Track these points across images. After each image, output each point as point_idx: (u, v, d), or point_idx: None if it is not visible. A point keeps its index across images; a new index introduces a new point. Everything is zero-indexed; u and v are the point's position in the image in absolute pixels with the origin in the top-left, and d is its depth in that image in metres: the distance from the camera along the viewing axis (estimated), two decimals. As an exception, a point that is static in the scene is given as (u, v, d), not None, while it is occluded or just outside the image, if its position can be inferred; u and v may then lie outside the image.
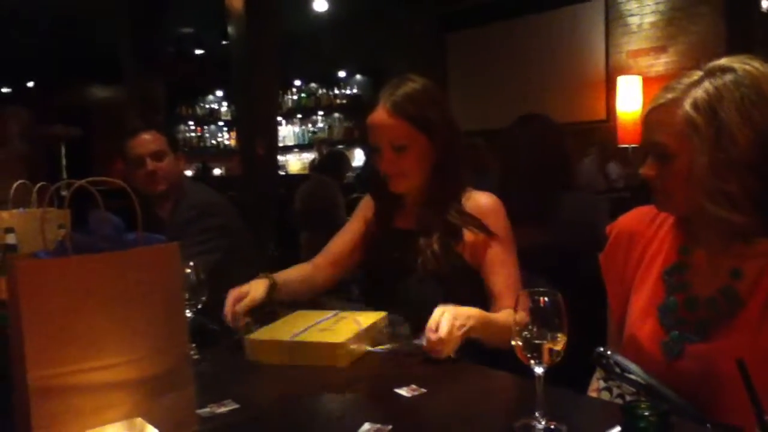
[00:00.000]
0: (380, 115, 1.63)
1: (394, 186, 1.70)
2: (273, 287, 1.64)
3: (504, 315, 1.53)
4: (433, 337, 1.34)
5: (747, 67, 1.13)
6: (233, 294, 1.58)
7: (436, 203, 1.68)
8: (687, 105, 1.13)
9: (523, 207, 2.41)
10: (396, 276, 1.68)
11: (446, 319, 1.35)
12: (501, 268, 1.64)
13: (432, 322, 1.36)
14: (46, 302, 0.87)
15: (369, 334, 1.48)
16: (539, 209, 2.40)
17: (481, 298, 1.64)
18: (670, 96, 1.16)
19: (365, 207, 1.88)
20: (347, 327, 1.48)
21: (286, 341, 1.43)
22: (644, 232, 1.34)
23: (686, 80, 1.16)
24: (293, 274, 1.79)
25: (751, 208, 1.12)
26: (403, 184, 1.69)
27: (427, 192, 1.70)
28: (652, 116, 1.20)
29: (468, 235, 1.65)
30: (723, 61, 1.16)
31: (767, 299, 1.14)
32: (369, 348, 1.45)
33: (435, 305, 1.46)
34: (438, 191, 1.68)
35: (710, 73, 1.14)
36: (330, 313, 1.60)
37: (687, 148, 1.14)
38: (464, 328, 1.38)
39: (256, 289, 1.61)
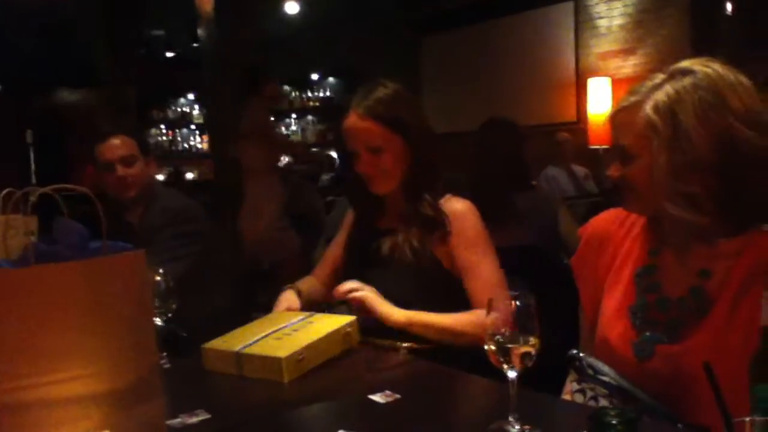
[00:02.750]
0: (352, 119, 1.68)
1: (374, 188, 1.73)
2: (300, 295, 1.76)
3: (453, 318, 1.59)
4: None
5: (707, 69, 1.15)
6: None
7: (413, 198, 1.71)
8: (648, 107, 1.16)
9: (491, 207, 2.51)
10: (373, 272, 1.69)
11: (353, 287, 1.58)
12: (476, 272, 1.65)
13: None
14: (7, 313, 0.85)
15: (331, 339, 1.43)
16: (500, 211, 2.49)
17: (459, 298, 1.65)
18: (633, 99, 1.19)
19: (348, 216, 1.93)
20: (305, 335, 1.42)
21: (233, 351, 1.38)
22: (615, 234, 1.35)
23: (649, 83, 1.19)
24: (306, 285, 1.86)
25: (714, 208, 1.13)
26: (383, 184, 1.73)
27: (406, 189, 1.73)
28: (617, 119, 1.23)
29: (444, 243, 1.67)
30: (684, 64, 1.18)
31: (734, 299, 1.15)
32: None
33: (410, 301, 1.57)
34: (414, 187, 1.71)
35: (672, 76, 1.17)
36: (302, 315, 1.59)
37: (648, 150, 1.16)
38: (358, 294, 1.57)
39: (293, 300, 1.73)
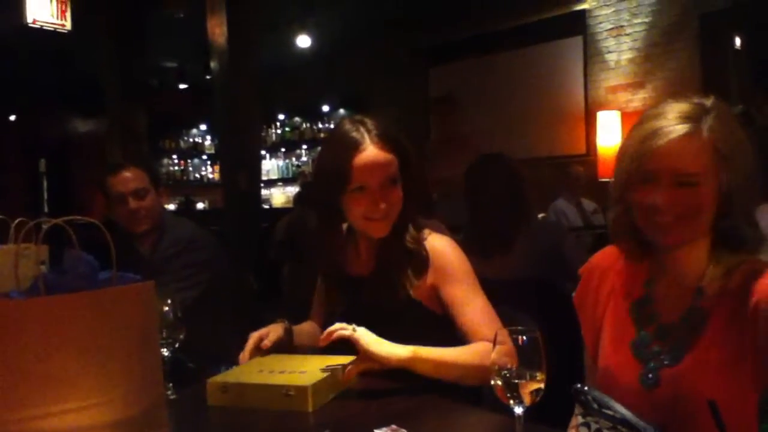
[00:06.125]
0: (372, 152, 1.56)
1: (377, 229, 1.62)
2: (290, 332, 1.69)
3: (458, 350, 1.49)
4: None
5: (720, 104, 1.21)
6: (255, 336, 1.61)
7: (398, 232, 1.63)
8: (709, 132, 1.17)
9: (489, 241, 2.54)
10: (353, 323, 1.59)
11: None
12: (467, 307, 1.57)
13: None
14: (15, 343, 0.85)
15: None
16: (503, 242, 2.52)
17: (445, 338, 1.57)
18: (690, 125, 1.18)
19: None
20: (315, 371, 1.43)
21: (251, 383, 1.39)
22: (613, 267, 1.38)
23: (687, 108, 1.20)
24: (304, 326, 1.81)
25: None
26: (387, 224, 1.61)
27: (394, 225, 1.63)
28: (672, 145, 1.18)
29: (423, 281, 1.61)
30: (704, 98, 1.22)
31: (729, 315, 1.17)
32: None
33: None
34: (402, 221, 1.64)
35: (708, 106, 1.20)
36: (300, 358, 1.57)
37: (713, 174, 1.17)
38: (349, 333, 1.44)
39: (276, 330, 1.64)
